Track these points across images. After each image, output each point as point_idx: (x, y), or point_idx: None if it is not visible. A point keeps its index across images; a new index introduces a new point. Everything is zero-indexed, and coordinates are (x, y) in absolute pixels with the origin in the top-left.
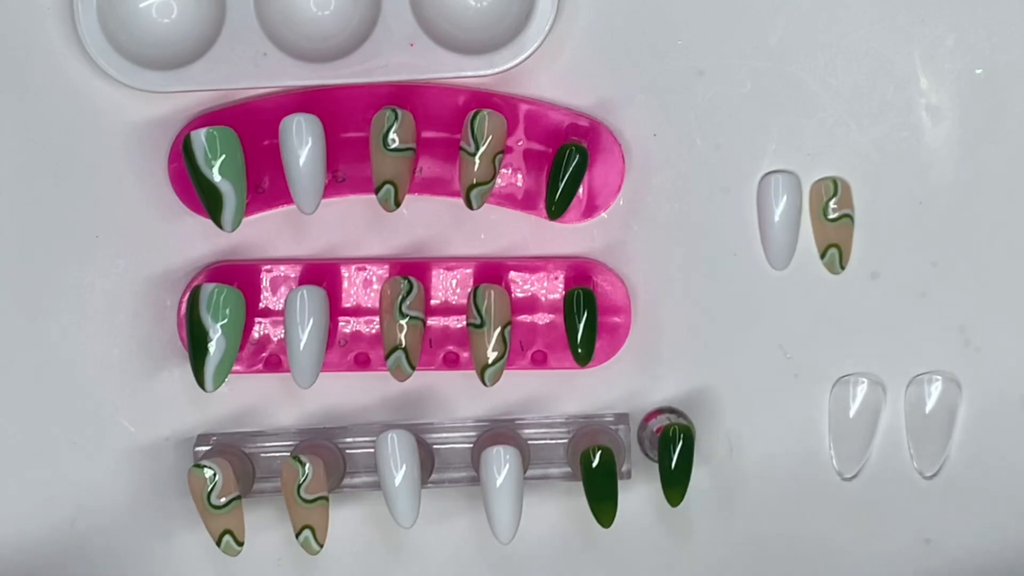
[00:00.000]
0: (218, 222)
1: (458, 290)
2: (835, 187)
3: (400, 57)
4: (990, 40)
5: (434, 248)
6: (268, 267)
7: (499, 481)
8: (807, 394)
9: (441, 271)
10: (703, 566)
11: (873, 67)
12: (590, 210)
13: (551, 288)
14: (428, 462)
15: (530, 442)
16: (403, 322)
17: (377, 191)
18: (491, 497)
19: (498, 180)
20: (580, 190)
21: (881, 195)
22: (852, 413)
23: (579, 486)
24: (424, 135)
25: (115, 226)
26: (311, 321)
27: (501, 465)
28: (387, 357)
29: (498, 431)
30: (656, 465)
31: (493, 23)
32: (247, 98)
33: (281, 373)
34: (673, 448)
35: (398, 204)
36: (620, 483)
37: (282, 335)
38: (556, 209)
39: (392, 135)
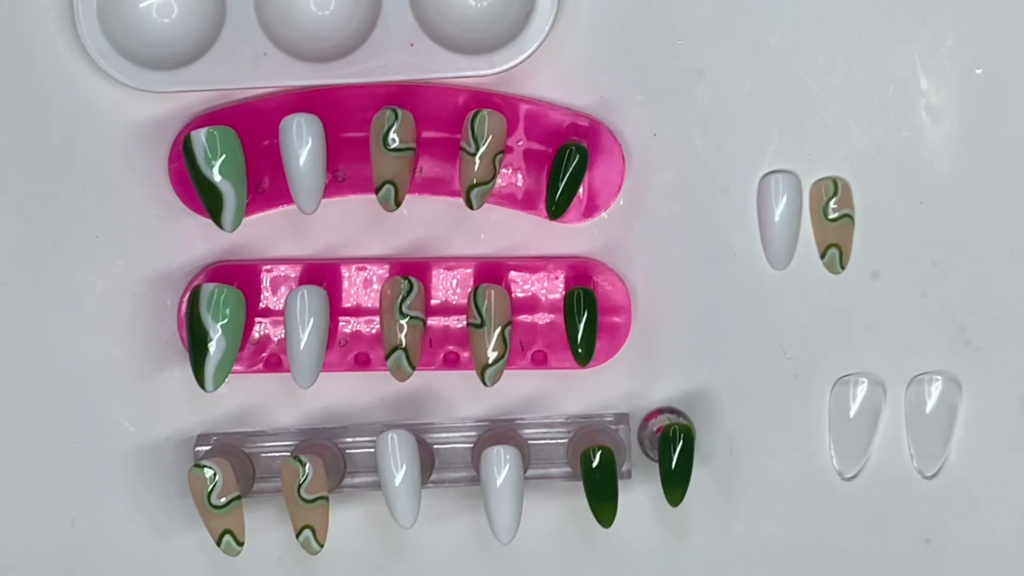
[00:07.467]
0: (218, 222)
1: (458, 290)
2: (835, 187)
3: (400, 57)
4: (990, 40)
5: (434, 248)
6: (268, 267)
7: (499, 481)
8: (807, 394)
9: (441, 271)
10: (703, 566)
11: (873, 67)
12: (590, 210)
13: (551, 288)
14: (428, 462)
15: (530, 442)
16: (403, 322)
17: (377, 191)
18: (491, 497)
19: (498, 180)
20: (580, 190)
21: (881, 195)
22: (852, 413)
23: (579, 486)
24: (424, 135)
25: (115, 226)
26: (311, 321)
27: (501, 465)
28: (387, 357)
29: (498, 431)
30: (656, 465)
31: (493, 23)
32: (247, 98)
33: (281, 373)
34: (673, 448)
35: (398, 204)
36: (620, 483)
37: (282, 335)
38: (556, 209)
39: (392, 135)
